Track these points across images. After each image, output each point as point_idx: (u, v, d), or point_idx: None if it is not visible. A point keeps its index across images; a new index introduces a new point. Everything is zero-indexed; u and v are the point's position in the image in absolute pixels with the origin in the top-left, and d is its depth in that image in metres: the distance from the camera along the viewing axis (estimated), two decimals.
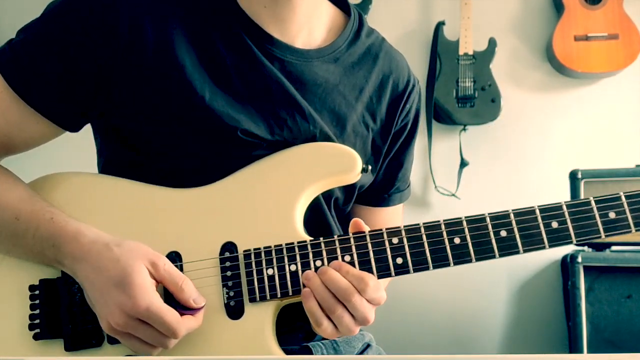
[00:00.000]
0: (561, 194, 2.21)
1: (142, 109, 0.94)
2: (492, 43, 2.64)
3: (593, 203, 0.84)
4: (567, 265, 2.14)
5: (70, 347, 0.90)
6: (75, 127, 1.00)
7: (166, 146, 0.95)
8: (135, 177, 0.97)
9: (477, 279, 2.64)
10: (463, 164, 2.67)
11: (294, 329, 0.90)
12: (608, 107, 2.67)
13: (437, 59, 2.67)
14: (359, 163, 0.93)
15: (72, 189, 0.96)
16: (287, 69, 0.99)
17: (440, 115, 2.65)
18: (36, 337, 0.91)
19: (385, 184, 1.13)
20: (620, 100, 2.67)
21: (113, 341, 0.89)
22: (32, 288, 0.92)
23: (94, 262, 0.85)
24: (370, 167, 0.96)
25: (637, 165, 2.18)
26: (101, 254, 0.85)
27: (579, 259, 2.03)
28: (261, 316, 0.87)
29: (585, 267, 2.04)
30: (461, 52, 2.64)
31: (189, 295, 0.85)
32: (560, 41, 2.58)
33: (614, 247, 2.11)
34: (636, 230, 0.83)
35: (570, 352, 2.21)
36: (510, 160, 2.68)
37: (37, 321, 0.91)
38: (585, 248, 2.14)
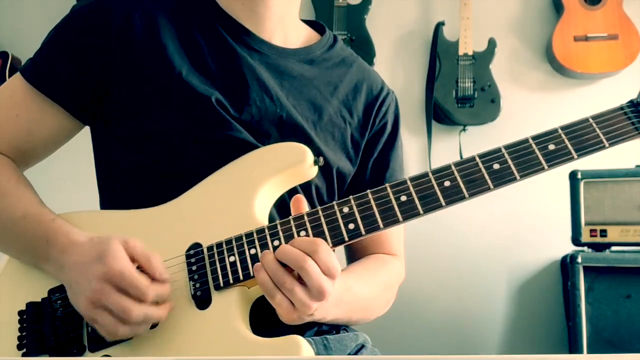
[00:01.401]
0: (561, 194, 2.22)
1: (142, 107, 1.02)
2: (491, 43, 2.64)
3: (531, 140, 0.89)
4: (566, 265, 2.14)
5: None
6: (90, 122, 1.09)
7: (165, 145, 1.02)
8: (136, 181, 1.05)
9: (477, 279, 2.64)
10: None
11: (278, 322, 0.90)
12: (608, 108, 2.66)
13: (436, 59, 2.67)
14: (308, 155, 0.97)
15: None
16: (264, 61, 1.08)
17: (440, 115, 2.65)
18: (24, 356, 0.95)
19: (373, 185, 1.14)
20: (619, 101, 2.63)
21: (94, 349, 0.93)
22: (20, 313, 0.98)
23: (78, 250, 0.93)
24: (322, 159, 0.99)
25: (637, 166, 2.17)
26: (84, 244, 0.94)
27: (579, 259, 2.03)
28: (227, 301, 0.91)
29: (585, 268, 2.03)
30: (461, 53, 2.64)
31: (156, 265, 0.90)
32: (560, 41, 2.58)
33: (613, 248, 2.10)
34: (578, 156, 0.88)
35: (570, 352, 2.21)
36: None
37: (25, 341, 0.96)
38: (585, 248, 2.13)
